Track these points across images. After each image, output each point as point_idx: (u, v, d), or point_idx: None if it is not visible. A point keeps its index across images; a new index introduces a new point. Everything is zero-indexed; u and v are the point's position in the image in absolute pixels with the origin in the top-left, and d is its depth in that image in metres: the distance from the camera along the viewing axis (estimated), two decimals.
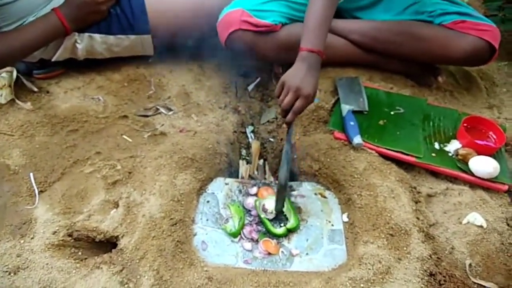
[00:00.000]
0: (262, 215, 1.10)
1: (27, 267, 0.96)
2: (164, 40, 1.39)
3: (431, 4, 1.38)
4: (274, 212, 1.10)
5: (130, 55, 1.42)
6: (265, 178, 1.29)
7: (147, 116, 1.33)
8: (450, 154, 1.23)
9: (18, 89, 1.33)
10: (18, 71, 1.34)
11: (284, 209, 1.11)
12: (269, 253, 1.04)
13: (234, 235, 1.07)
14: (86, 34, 1.33)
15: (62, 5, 1.28)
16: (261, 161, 1.36)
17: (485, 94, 1.55)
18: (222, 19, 1.34)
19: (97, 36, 1.34)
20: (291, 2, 1.37)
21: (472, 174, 1.16)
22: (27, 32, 1.24)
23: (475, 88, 1.56)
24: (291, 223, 1.09)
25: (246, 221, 1.11)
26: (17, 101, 1.29)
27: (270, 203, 1.12)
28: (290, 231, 1.09)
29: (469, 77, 1.59)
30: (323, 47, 1.11)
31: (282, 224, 1.10)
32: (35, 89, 1.33)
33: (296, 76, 1.05)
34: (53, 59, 1.35)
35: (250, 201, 1.14)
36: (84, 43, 1.34)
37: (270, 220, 1.10)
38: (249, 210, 1.14)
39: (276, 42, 1.35)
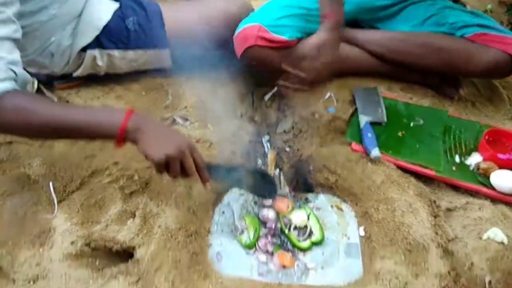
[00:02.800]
0: (286, 231, 1.10)
1: (46, 276, 0.98)
2: (181, 52, 1.40)
3: (452, 15, 1.36)
4: (298, 226, 1.11)
5: (149, 68, 1.44)
6: (280, 189, 1.28)
7: None
8: (471, 168, 1.20)
9: None
10: (38, 81, 1.36)
11: (310, 222, 1.11)
12: (284, 266, 1.03)
13: (249, 246, 1.07)
14: (105, 52, 1.35)
15: (139, 115, 0.95)
16: (277, 170, 1.36)
17: (508, 105, 1.51)
18: (239, 34, 1.34)
19: (115, 52, 1.36)
20: (308, 16, 1.37)
21: (493, 189, 1.14)
22: (78, 113, 0.95)
23: (497, 99, 1.53)
24: (316, 236, 1.08)
25: (261, 233, 1.10)
26: None
27: (294, 218, 1.12)
28: (315, 245, 1.08)
29: (492, 87, 1.56)
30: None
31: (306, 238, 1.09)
32: (55, 99, 1.36)
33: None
34: (74, 75, 1.37)
35: (265, 213, 1.14)
36: (104, 61, 1.36)
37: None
38: (264, 222, 1.13)
39: (292, 57, 1.35)
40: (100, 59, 1.33)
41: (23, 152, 1.21)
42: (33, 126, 0.92)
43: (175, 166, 0.93)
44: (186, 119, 1.36)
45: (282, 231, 1.11)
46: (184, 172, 0.96)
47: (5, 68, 0.91)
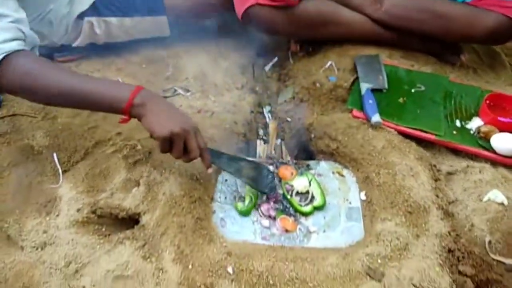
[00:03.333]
0: (288, 196, 1.11)
1: (53, 242, 1.00)
2: (179, 20, 1.40)
3: None
4: (300, 191, 1.12)
5: (147, 36, 1.43)
6: (282, 158, 1.30)
7: (165, 97, 1.34)
8: (471, 132, 1.21)
9: None
10: (39, 54, 1.36)
11: (311, 188, 1.12)
12: (287, 230, 1.05)
13: (243, 213, 1.08)
14: (102, 19, 1.34)
15: (147, 91, 0.96)
16: (279, 140, 1.37)
17: (509, 71, 1.51)
18: None
19: (113, 19, 1.35)
20: None
21: (494, 152, 1.14)
22: (87, 83, 0.94)
23: (499, 65, 1.52)
24: (317, 201, 1.10)
25: (260, 201, 1.12)
26: None
27: (296, 184, 1.13)
28: (317, 209, 1.09)
29: (493, 54, 1.55)
30: None
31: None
32: None
33: None
34: (74, 45, 1.37)
35: None
36: (102, 28, 1.36)
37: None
38: None
39: (293, 17, 1.34)
40: (97, 26, 1.33)
41: (26, 124, 1.22)
42: (40, 90, 0.92)
43: (179, 145, 0.93)
44: (188, 90, 1.36)
45: (284, 197, 1.12)
46: (186, 153, 0.96)
47: (13, 28, 0.90)
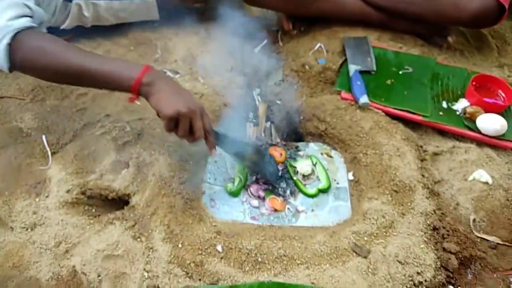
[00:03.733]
0: (295, 177, 1.12)
1: (43, 223, 1.00)
2: (168, 2, 1.39)
3: None
4: (303, 173, 1.13)
5: (136, 20, 1.42)
6: (271, 140, 1.30)
7: None
8: (457, 113, 1.22)
9: None
10: None
11: (317, 170, 1.13)
12: (276, 210, 1.07)
13: (233, 194, 1.09)
14: (90, 1, 1.33)
15: (156, 71, 0.96)
16: (268, 123, 1.37)
17: (496, 53, 1.52)
18: None
19: (101, 2, 1.34)
20: None
21: (479, 132, 1.16)
22: (96, 61, 0.93)
23: (486, 47, 1.54)
24: (322, 184, 1.11)
25: (253, 180, 1.13)
26: None
27: (300, 166, 1.14)
28: (322, 192, 1.10)
29: (480, 36, 1.56)
30: None
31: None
32: None
33: None
34: (62, 27, 1.36)
35: None
36: (90, 11, 1.34)
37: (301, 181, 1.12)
38: None
39: None
40: (86, 9, 1.32)
41: (14, 106, 1.22)
42: (50, 68, 0.92)
43: (185, 124, 0.93)
44: (177, 72, 1.36)
45: (290, 177, 1.13)
46: (192, 134, 0.95)
47: (20, 4, 0.90)
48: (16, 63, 0.92)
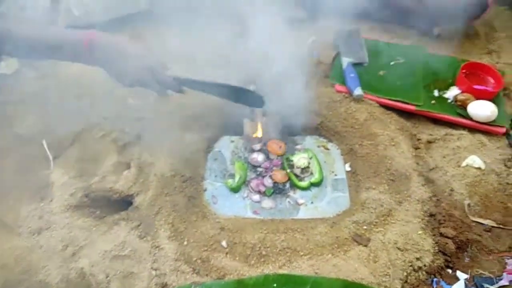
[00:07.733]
0: (288, 170, 1.14)
1: (49, 227, 1.02)
2: None
3: None
4: (299, 166, 1.15)
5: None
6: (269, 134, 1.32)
7: None
8: (449, 101, 1.25)
9: None
10: None
11: (311, 165, 1.16)
12: (277, 182, 1.12)
13: (234, 190, 1.12)
14: None
15: (99, 37, 0.96)
16: (264, 118, 1.38)
17: (484, 41, 1.55)
18: None
19: None
20: None
21: (471, 119, 1.19)
22: (51, 32, 0.99)
23: (474, 35, 1.56)
24: (315, 177, 1.13)
25: (253, 175, 1.15)
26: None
27: (296, 159, 1.16)
28: (313, 185, 1.13)
29: (469, 24, 1.58)
30: None
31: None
32: None
33: None
34: None
35: (254, 156, 1.18)
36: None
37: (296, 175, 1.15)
38: (255, 166, 1.18)
39: None
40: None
41: (14, 111, 1.22)
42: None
43: (149, 86, 0.98)
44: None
45: (283, 169, 1.16)
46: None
47: None
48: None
